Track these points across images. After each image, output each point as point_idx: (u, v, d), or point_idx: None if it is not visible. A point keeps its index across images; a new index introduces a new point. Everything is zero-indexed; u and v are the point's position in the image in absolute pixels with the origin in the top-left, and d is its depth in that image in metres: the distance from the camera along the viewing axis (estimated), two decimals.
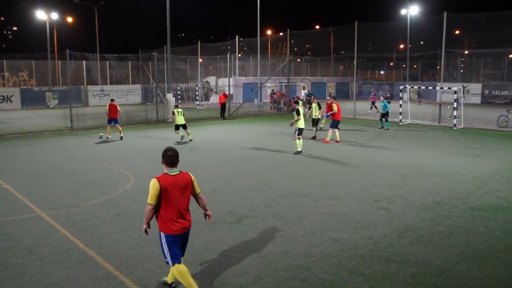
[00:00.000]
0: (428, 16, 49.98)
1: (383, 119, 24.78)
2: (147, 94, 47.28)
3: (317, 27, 69.91)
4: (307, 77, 54.88)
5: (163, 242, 5.97)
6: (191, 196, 6.18)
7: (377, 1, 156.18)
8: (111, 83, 50.28)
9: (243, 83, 47.54)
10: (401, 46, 63.32)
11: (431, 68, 61.15)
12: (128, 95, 49.05)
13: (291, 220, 9.16)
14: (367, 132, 23.59)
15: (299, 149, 17.10)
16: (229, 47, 48.92)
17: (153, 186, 5.78)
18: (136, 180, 12.87)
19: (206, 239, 8.16)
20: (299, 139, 17.13)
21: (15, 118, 32.96)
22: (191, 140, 20.56)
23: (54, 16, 49.82)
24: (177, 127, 20.66)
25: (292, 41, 48.53)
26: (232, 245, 7.90)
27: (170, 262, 5.96)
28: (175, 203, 5.86)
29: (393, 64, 68.12)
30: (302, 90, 39.80)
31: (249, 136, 22.51)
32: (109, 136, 21.52)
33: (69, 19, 62.87)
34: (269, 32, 67.52)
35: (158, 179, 5.82)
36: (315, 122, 21.55)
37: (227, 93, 33.91)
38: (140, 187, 12.06)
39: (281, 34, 54.69)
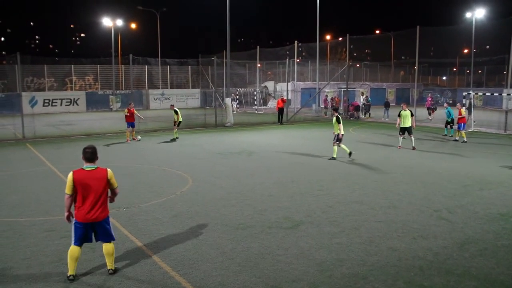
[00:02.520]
0: (495, 19, 48.21)
1: (448, 126, 24.05)
2: (206, 98, 48.07)
3: (377, 32, 68.84)
4: (366, 83, 54.06)
5: (72, 225, 6.86)
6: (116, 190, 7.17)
7: (440, 4, 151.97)
8: (171, 87, 51.53)
9: (301, 88, 47.42)
10: (465, 50, 61.26)
11: (497, 73, 58.67)
12: (187, 99, 50.06)
13: (347, 228, 9.02)
14: (428, 139, 22.92)
15: (334, 156, 16.89)
16: (287, 52, 48.94)
17: (69, 178, 6.75)
18: (194, 183, 13.09)
19: (261, 243, 8.17)
20: (338, 145, 16.93)
21: (81, 120, 34.39)
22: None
23: (119, 22, 51.76)
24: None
25: (352, 46, 47.94)
26: (288, 250, 7.86)
27: (72, 242, 6.82)
28: (86, 195, 6.72)
29: (456, 69, 65.95)
30: (361, 96, 39.24)
31: (306, 142, 22.40)
32: (139, 137, 22.85)
33: (133, 25, 65.06)
34: (328, 37, 67.14)
35: (73, 172, 6.78)
36: (409, 131, 19.32)
37: (285, 98, 33.94)
38: (198, 189, 12.26)
39: (340, 39, 54.26)
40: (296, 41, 45.78)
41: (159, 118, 31.72)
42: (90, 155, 6.90)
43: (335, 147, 16.99)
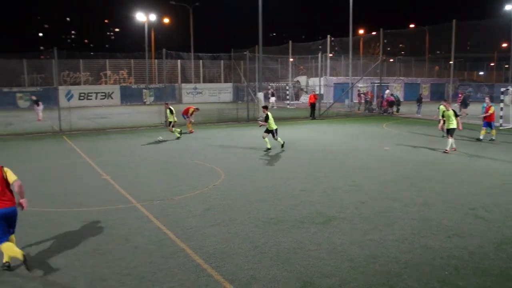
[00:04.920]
0: None
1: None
2: (238, 92, 48.18)
3: (412, 26, 67.58)
4: (400, 78, 53.20)
5: None
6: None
7: None
8: (203, 82, 51.84)
9: (334, 83, 47.01)
10: (504, 45, 59.51)
11: None
12: (220, 94, 50.28)
13: (380, 224, 8.92)
14: (465, 136, 22.39)
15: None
16: (320, 46, 48.53)
17: None
18: (226, 177, 13.15)
19: (293, 238, 8.16)
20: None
21: (115, 113, 34.95)
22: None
23: (152, 17, 52.29)
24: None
25: (385, 41, 47.10)
26: (320, 245, 7.83)
27: None
28: None
29: (493, 64, 64.20)
30: (387, 90, 38.26)
31: (339, 137, 22.22)
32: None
33: (166, 20, 65.62)
34: (361, 31, 66.24)
35: None
36: (451, 132, 17.56)
37: (316, 93, 33.72)
38: (230, 183, 12.32)
39: (373, 33, 53.44)
40: (328, 36, 45.38)
41: None
42: None
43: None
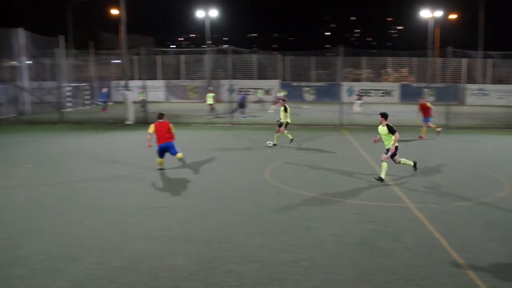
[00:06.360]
0: None
1: None
2: None
3: None
4: None
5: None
6: None
7: None
8: (492, 83, 47.56)
9: None
10: None
11: None
12: (509, 96, 45.44)
13: None
14: None
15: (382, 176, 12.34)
16: None
17: (151, 126, 13.59)
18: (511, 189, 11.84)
19: None
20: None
21: (393, 111, 34.78)
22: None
23: (438, 14, 50.29)
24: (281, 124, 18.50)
25: None
26: None
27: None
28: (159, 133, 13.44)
29: None
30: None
31: None
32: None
33: (452, 16, 62.28)
34: None
35: (155, 124, 13.57)
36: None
37: None
38: None
39: None
40: None
41: (474, 115, 29.70)
42: (161, 116, 13.56)
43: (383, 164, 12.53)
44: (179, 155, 13.16)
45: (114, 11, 49.83)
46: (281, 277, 6.68)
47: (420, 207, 10.05)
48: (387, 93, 45.52)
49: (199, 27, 74.35)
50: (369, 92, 45.40)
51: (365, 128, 24.29)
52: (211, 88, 32.62)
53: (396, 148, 12.24)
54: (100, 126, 25.15)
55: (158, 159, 13.46)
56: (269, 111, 30.39)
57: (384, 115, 12.56)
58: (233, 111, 27.68)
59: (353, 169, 14.00)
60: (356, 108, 32.55)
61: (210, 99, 29.56)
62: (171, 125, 13.44)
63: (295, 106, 36.32)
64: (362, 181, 12.48)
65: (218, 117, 28.01)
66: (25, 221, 9.08)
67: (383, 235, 8.34)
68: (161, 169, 13.52)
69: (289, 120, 18.43)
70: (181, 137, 17.59)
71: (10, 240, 8.09)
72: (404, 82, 47.26)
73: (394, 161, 12.47)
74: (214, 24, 56.19)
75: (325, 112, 30.26)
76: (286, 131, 18.34)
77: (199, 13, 51.05)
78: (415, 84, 46.18)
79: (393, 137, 12.17)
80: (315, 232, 8.48)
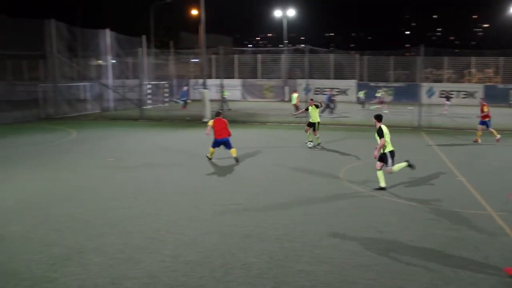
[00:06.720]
0: None
1: None
2: None
3: None
4: None
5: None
6: None
7: None
8: None
9: None
10: None
11: None
12: None
13: None
14: None
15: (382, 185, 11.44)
16: None
17: (210, 122, 14.77)
18: None
19: None
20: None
21: (475, 113, 33.26)
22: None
23: None
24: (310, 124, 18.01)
25: None
26: None
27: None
28: (218, 129, 14.53)
29: None
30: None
31: None
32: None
33: None
34: None
35: (213, 120, 14.61)
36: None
37: None
38: None
39: None
40: None
41: None
42: (218, 114, 14.88)
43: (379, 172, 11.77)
44: (233, 150, 14.64)
45: (194, 12, 51.25)
46: (352, 280, 6.60)
47: (503, 215, 9.50)
48: (470, 94, 43.48)
49: (277, 26, 74.85)
50: (450, 94, 43.63)
51: (445, 131, 23.38)
52: (295, 89, 32.86)
53: (390, 155, 11.51)
54: (179, 123, 25.96)
55: (211, 149, 14.85)
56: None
57: (378, 117, 11.80)
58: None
59: (433, 173, 13.51)
60: (445, 109, 31.41)
61: (294, 99, 29.95)
62: (227, 122, 14.86)
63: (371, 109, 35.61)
64: (439, 186, 12.04)
65: (297, 117, 27.85)
66: (106, 212, 9.61)
67: (463, 244, 7.99)
68: (210, 158, 14.94)
69: (319, 120, 18.10)
70: (255, 136, 17.64)
71: (94, 230, 8.56)
72: (488, 83, 44.90)
73: (386, 171, 11.63)
74: (291, 24, 56.33)
75: (403, 113, 29.44)
76: (309, 132, 17.96)
77: (277, 13, 51.23)
78: (501, 86, 43.75)
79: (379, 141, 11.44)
80: (389, 236, 8.29)
